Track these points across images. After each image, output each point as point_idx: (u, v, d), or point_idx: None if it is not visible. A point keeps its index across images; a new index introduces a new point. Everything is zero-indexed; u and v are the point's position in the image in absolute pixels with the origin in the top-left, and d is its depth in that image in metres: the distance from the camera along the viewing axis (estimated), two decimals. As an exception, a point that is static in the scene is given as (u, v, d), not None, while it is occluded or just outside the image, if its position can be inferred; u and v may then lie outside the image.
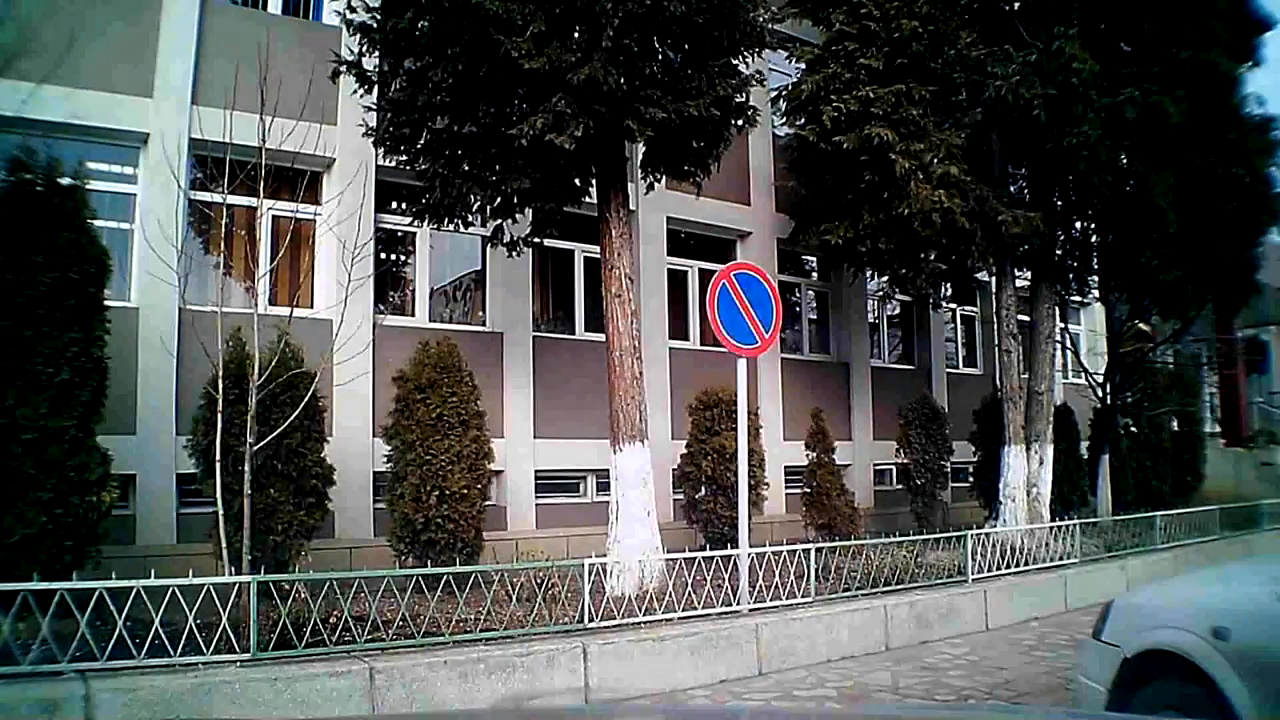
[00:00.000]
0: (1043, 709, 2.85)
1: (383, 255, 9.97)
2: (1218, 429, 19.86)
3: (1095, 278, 13.33)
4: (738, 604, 6.61)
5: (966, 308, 15.83)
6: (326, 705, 4.69)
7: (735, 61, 7.55)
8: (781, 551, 6.89)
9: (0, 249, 5.81)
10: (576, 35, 6.59)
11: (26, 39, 7.10)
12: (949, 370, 15.17)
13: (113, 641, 4.48)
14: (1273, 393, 22.86)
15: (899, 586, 7.45)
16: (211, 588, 4.93)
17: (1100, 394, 13.63)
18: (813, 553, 7.05)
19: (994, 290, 11.40)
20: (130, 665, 4.49)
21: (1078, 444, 13.29)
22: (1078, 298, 14.42)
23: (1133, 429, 14.91)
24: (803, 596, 6.86)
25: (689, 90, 7.00)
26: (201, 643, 4.68)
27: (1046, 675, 5.95)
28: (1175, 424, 15.85)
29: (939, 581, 7.78)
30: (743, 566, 6.70)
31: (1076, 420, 13.42)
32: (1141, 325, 14.54)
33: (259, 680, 4.63)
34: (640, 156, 8.47)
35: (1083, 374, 14.64)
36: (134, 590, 4.68)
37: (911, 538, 8.34)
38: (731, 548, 7.24)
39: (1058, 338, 14.37)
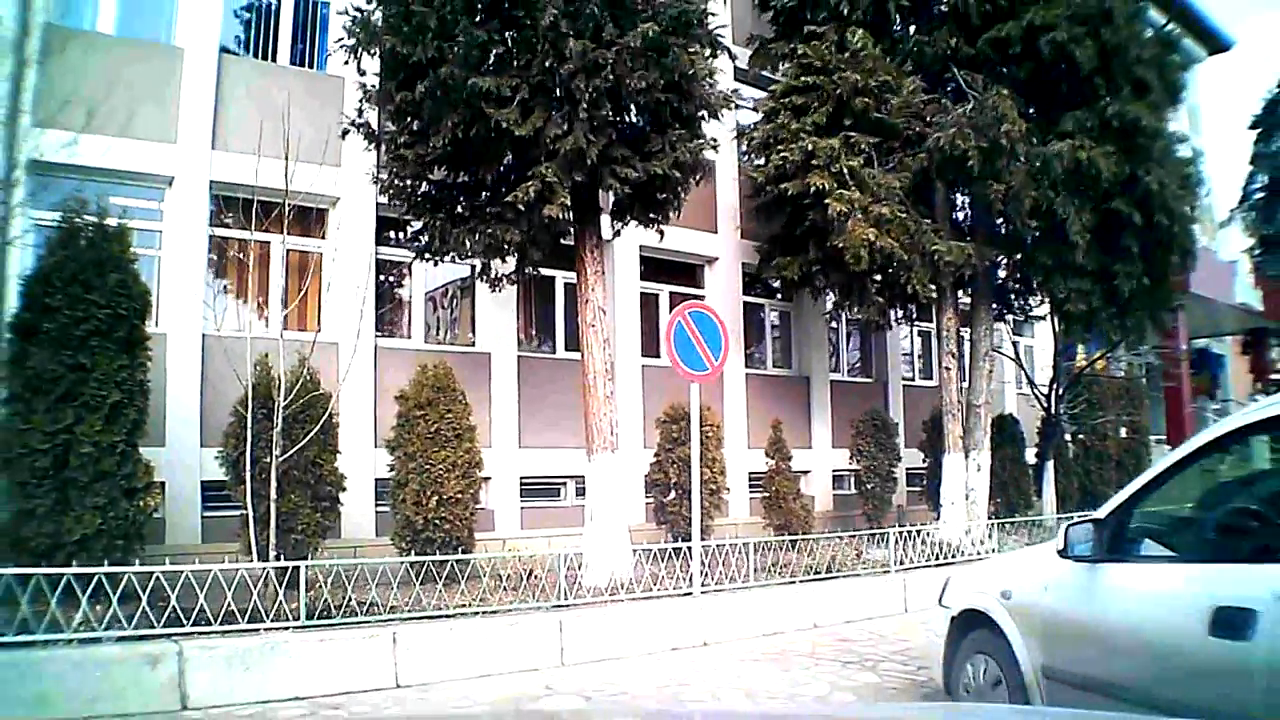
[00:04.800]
0: (1043, 710, 3.57)
1: (381, 281, 10.98)
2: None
3: (1035, 298, 14.41)
4: (690, 588, 7.74)
5: (921, 324, 16.82)
6: (363, 659, 5.96)
7: (695, 123, 8.63)
8: (725, 545, 8.13)
9: (62, 290, 6.85)
10: (556, 103, 7.67)
11: (72, 96, 8.09)
12: (905, 383, 16.11)
13: (195, 614, 5.77)
14: (1225, 401, 24.03)
15: (831, 575, 8.63)
16: (271, 571, 6.26)
17: (1045, 404, 14.72)
18: (752, 546, 8.26)
19: (934, 313, 12.44)
20: (208, 630, 5.75)
21: (1023, 451, 14.16)
22: (1019, 316, 15.25)
23: (1080, 436, 15.88)
24: (743, 582, 8.04)
25: (654, 153, 8.08)
26: (264, 613, 5.94)
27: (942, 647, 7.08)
28: (1124, 432, 16.87)
29: (866, 572, 9.00)
30: (694, 557, 7.85)
31: (1022, 430, 14.33)
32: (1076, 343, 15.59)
33: (309, 641, 5.89)
34: (611, 202, 9.46)
35: (1030, 385, 15.69)
36: (211, 573, 6.01)
37: (843, 533, 9.54)
38: (694, 545, 8.36)
39: (1008, 351, 15.50)
